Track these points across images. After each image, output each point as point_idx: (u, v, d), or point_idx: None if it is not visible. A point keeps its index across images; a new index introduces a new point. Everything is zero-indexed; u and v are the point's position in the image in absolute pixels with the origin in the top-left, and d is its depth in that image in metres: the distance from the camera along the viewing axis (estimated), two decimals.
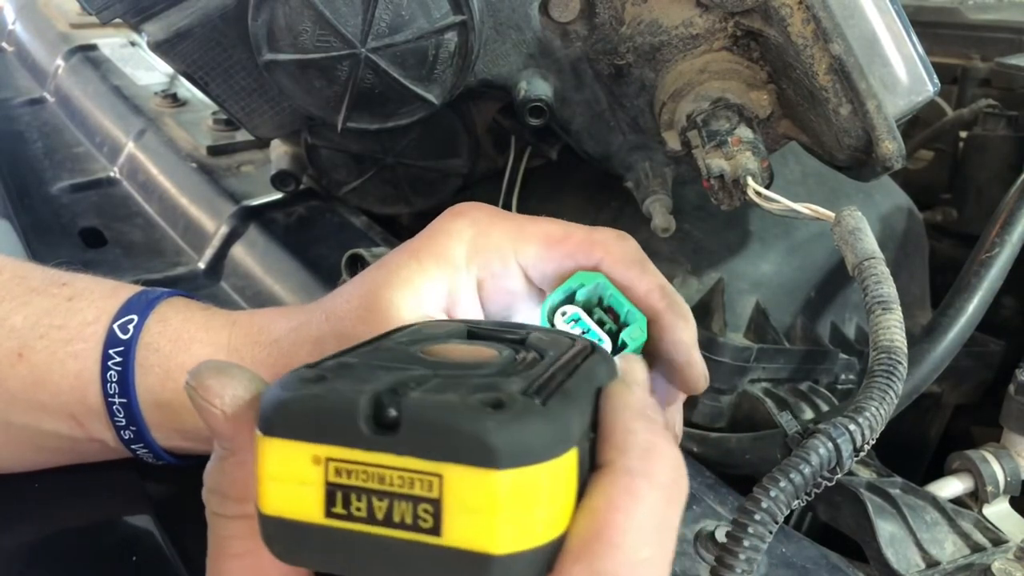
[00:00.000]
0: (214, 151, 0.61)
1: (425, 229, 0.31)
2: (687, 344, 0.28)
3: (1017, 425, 0.39)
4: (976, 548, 0.35)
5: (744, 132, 0.36)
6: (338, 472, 0.17)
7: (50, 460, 0.34)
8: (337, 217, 0.53)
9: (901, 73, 0.35)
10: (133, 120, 0.65)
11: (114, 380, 0.31)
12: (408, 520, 0.16)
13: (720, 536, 0.32)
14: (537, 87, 0.41)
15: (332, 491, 0.17)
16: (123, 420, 0.32)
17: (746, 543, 0.23)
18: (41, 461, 0.34)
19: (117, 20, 0.40)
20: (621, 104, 0.42)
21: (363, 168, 0.50)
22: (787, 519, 0.42)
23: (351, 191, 0.52)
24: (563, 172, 0.54)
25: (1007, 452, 0.39)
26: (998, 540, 0.35)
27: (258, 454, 0.17)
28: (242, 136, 0.63)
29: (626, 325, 0.28)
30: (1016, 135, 0.60)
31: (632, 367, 0.22)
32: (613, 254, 0.29)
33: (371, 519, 0.16)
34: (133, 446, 0.33)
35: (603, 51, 0.40)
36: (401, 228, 0.56)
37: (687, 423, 0.43)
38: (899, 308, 0.30)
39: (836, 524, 0.36)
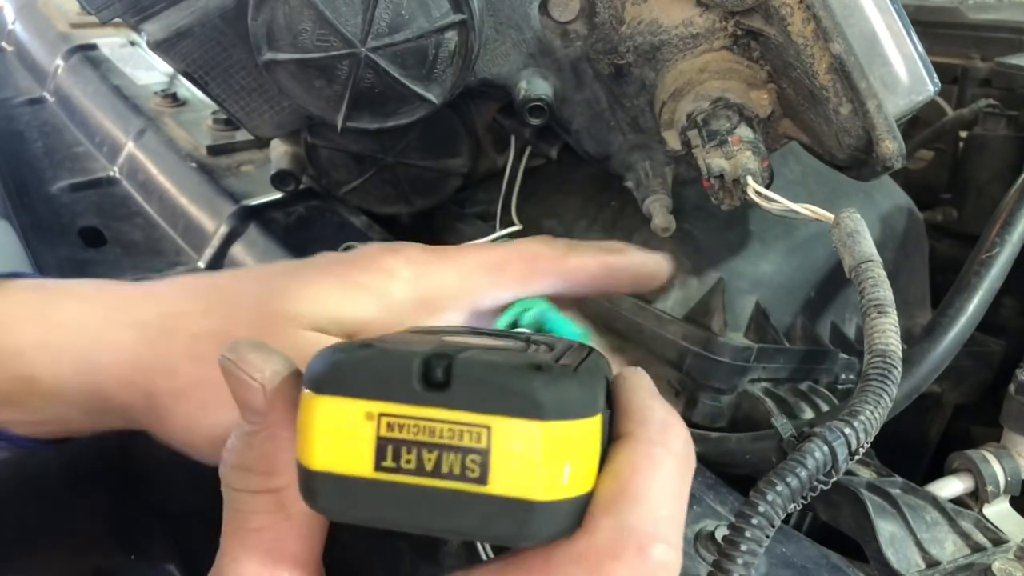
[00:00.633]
0: (214, 151, 0.61)
1: (352, 257, 0.29)
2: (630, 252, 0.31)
3: (1017, 425, 0.39)
4: (976, 548, 0.35)
5: (744, 131, 0.36)
6: (390, 427, 0.18)
7: None
8: (337, 217, 0.53)
9: (901, 72, 0.35)
10: (133, 120, 0.65)
11: None
12: (456, 471, 0.18)
13: (720, 536, 0.32)
14: (537, 87, 0.41)
15: (383, 445, 0.18)
16: None
17: (743, 547, 0.23)
18: None
19: (117, 20, 0.40)
20: (621, 104, 0.42)
21: (363, 168, 0.50)
22: (787, 519, 0.42)
23: (351, 191, 0.52)
24: (563, 172, 0.54)
25: (1007, 452, 0.39)
26: (998, 540, 0.35)
27: (309, 412, 0.18)
28: (242, 136, 0.63)
29: None
30: (1016, 135, 0.60)
31: (636, 368, 0.23)
32: (552, 262, 0.30)
33: (420, 471, 0.18)
34: None
35: (603, 51, 0.40)
36: (401, 228, 0.56)
37: (687, 423, 0.43)
38: (895, 312, 0.30)
39: (836, 524, 0.36)
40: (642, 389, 0.21)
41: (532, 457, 0.17)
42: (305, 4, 0.36)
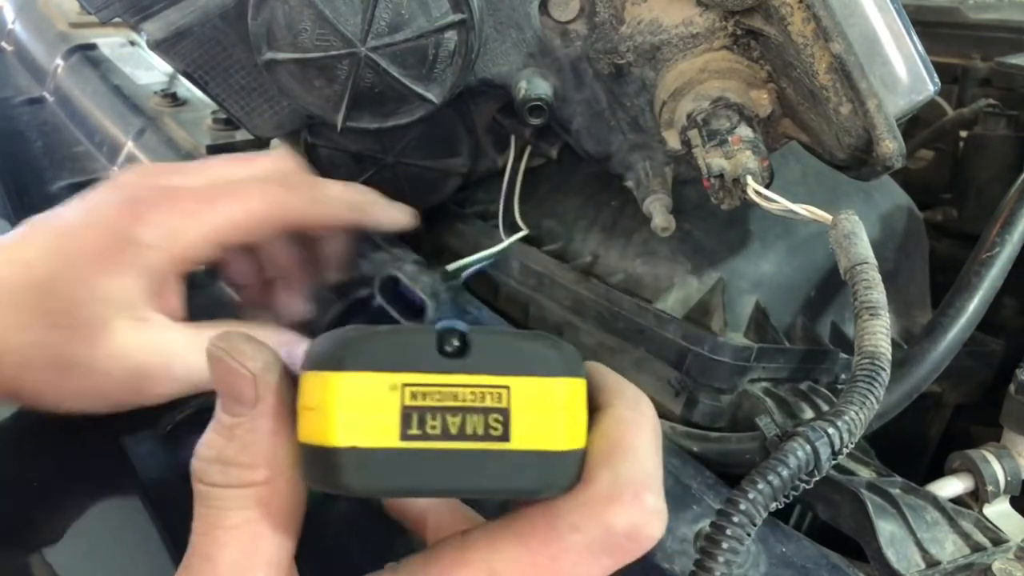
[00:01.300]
0: (214, 150, 0.61)
1: (99, 229, 0.30)
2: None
3: (1017, 425, 0.39)
4: (976, 548, 0.35)
5: (744, 131, 0.36)
6: (414, 396, 0.19)
7: None
8: None
9: (901, 72, 0.35)
10: (133, 119, 0.65)
11: None
12: (480, 431, 0.19)
13: None
14: (537, 86, 0.41)
15: (408, 414, 0.19)
16: None
17: (724, 545, 0.24)
18: None
19: (117, 19, 0.40)
20: (621, 103, 0.42)
21: (363, 168, 0.50)
22: (787, 519, 0.42)
23: None
24: (563, 172, 0.54)
25: (1007, 452, 0.39)
26: (998, 540, 0.35)
27: (330, 389, 0.19)
28: (242, 136, 0.63)
29: None
30: (1016, 135, 0.60)
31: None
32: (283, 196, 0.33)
33: (445, 435, 0.19)
34: None
35: (603, 50, 0.40)
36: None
37: (687, 423, 0.43)
38: (887, 314, 0.30)
39: (836, 524, 0.36)
40: (609, 371, 0.24)
41: (549, 410, 0.19)
42: (305, 4, 0.36)
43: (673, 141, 0.39)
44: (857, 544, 0.34)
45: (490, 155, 0.53)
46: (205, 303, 0.40)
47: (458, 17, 0.37)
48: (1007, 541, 0.35)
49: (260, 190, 0.33)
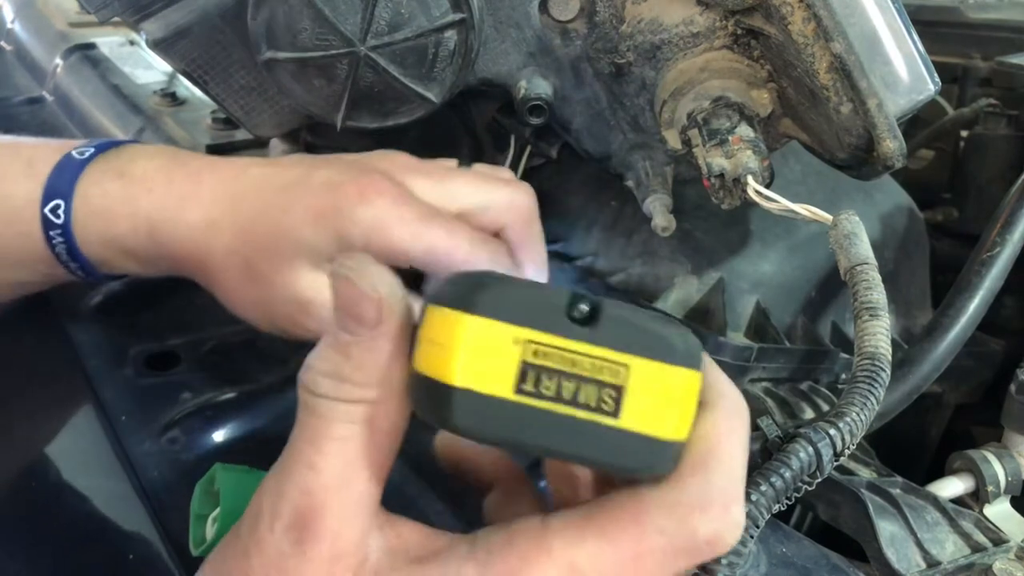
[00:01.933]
0: (213, 150, 0.61)
1: (331, 188, 0.33)
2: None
3: (1018, 425, 0.39)
4: (977, 548, 0.35)
5: (745, 131, 0.36)
6: (535, 354, 0.19)
7: (18, 294, 0.42)
8: None
9: (902, 72, 0.34)
10: (132, 119, 0.65)
11: (64, 252, 0.37)
12: (591, 402, 0.19)
13: None
14: (537, 86, 0.41)
15: (525, 370, 0.19)
16: (82, 273, 0.38)
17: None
18: (10, 297, 0.41)
19: (116, 19, 0.40)
20: (621, 103, 0.42)
21: None
22: (787, 519, 0.42)
23: None
24: (563, 172, 0.53)
25: (1008, 452, 0.39)
26: (999, 540, 0.35)
27: (456, 329, 0.19)
28: (241, 135, 0.62)
29: None
30: (1017, 134, 0.60)
31: None
32: (516, 220, 0.35)
33: (557, 398, 0.19)
34: (95, 282, 0.41)
35: (603, 50, 0.40)
36: None
37: None
38: (887, 315, 0.30)
39: (836, 524, 0.36)
40: (717, 368, 0.23)
41: (663, 397, 0.19)
42: (304, 3, 0.36)
43: (673, 141, 0.39)
44: (857, 544, 0.34)
45: (490, 155, 0.53)
46: (206, 302, 0.40)
47: (458, 16, 0.37)
48: (1007, 541, 0.35)
49: (471, 241, 0.33)
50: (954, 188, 0.64)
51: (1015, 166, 0.59)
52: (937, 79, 0.36)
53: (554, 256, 0.50)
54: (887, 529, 0.33)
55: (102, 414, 0.39)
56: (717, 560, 0.23)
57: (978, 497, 0.38)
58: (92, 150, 0.37)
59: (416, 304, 0.22)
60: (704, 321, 0.44)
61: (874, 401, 0.28)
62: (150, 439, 0.38)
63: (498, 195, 0.35)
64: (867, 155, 0.36)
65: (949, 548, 0.34)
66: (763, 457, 0.36)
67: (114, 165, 0.37)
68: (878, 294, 0.30)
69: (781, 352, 0.43)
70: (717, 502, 0.20)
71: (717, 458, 0.21)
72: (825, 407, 0.42)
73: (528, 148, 0.52)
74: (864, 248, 0.31)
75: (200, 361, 0.43)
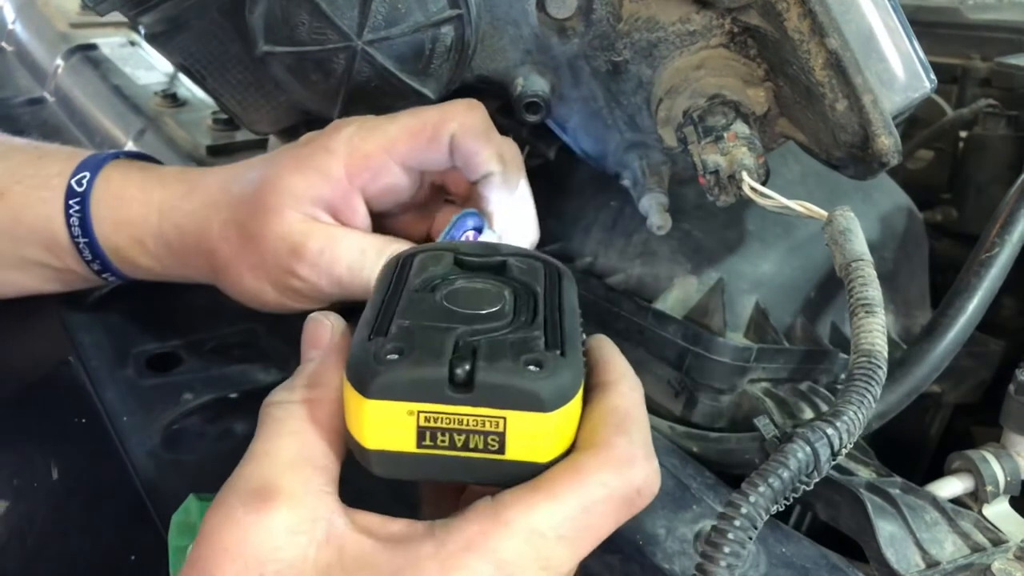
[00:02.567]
0: (214, 151, 0.61)
1: (309, 143, 0.37)
2: (510, 192, 0.38)
3: (1017, 425, 0.39)
4: (976, 548, 0.34)
5: (740, 128, 0.36)
6: (427, 419, 0.23)
7: (36, 284, 0.43)
8: None
9: (898, 69, 0.34)
10: (133, 119, 0.65)
11: (76, 224, 0.39)
12: (480, 446, 0.23)
13: None
14: (534, 83, 0.41)
15: (423, 431, 0.23)
16: (89, 256, 0.40)
17: (726, 549, 0.23)
18: (28, 284, 0.43)
19: (117, 20, 0.40)
20: (618, 101, 0.42)
21: None
22: (787, 519, 0.42)
23: None
24: (562, 172, 0.53)
25: (1007, 452, 0.39)
26: (998, 540, 0.35)
27: (361, 410, 0.23)
28: (242, 136, 0.63)
29: None
30: (1016, 135, 0.60)
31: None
32: (464, 125, 0.36)
33: (452, 447, 0.23)
34: (103, 275, 0.42)
35: (600, 47, 0.40)
36: None
37: (687, 423, 0.43)
38: (883, 311, 0.30)
39: (836, 524, 0.35)
40: (614, 350, 0.29)
41: (538, 436, 0.24)
42: None
43: (669, 138, 0.39)
44: (857, 544, 0.34)
45: None
46: (206, 303, 0.41)
47: (454, 12, 0.37)
48: (1007, 541, 0.35)
49: (440, 109, 0.37)
50: (953, 188, 0.64)
51: (1014, 166, 0.58)
52: (933, 77, 0.36)
53: (554, 256, 0.50)
54: (886, 529, 0.33)
55: (103, 414, 0.39)
56: (716, 563, 0.23)
57: (977, 497, 0.38)
58: (126, 153, 0.43)
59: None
60: (704, 321, 0.44)
61: (871, 399, 0.28)
62: (151, 439, 0.38)
63: (447, 110, 0.37)
64: (863, 152, 0.36)
65: (948, 548, 0.34)
66: (761, 456, 0.36)
67: (139, 164, 0.42)
68: (874, 290, 0.30)
69: (780, 352, 0.43)
70: (640, 455, 0.24)
71: (632, 421, 0.25)
72: (824, 408, 0.42)
73: (526, 148, 0.52)
74: (859, 244, 0.31)
75: (201, 361, 0.43)
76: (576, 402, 0.25)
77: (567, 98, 0.43)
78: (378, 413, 0.23)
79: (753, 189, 0.34)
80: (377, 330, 0.25)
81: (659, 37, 0.39)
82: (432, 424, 0.23)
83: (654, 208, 0.41)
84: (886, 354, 0.29)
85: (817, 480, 0.27)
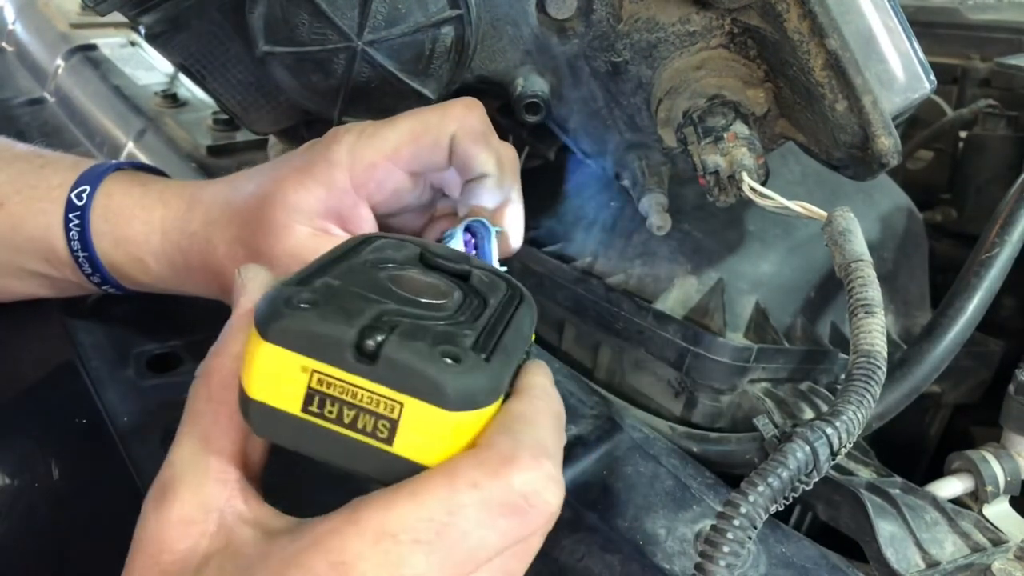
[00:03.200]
0: (214, 151, 0.61)
1: (309, 152, 0.36)
2: (504, 195, 0.37)
3: (1017, 425, 0.39)
4: (976, 548, 0.34)
5: (740, 128, 0.36)
6: (320, 382, 0.21)
7: (34, 291, 0.43)
8: None
9: (897, 70, 0.34)
10: (133, 120, 0.65)
11: (76, 238, 0.39)
12: (368, 428, 0.21)
13: None
14: (534, 83, 0.41)
15: (311, 395, 0.21)
16: (88, 269, 0.40)
17: (725, 548, 0.23)
18: (26, 291, 0.43)
19: (117, 21, 0.40)
20: (618, 101, 0.42)
21: None
22: (787, 519, 0.42)
23: None
24: (562, 172, 0.53)
25: (1007, 452, 0.39)
26: (998, 540, 0.35)
27: (253, 351, 0.21)
28: (242, 136, 0.63)
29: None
30: (1016, 135, 0.60)
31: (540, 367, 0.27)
32: (463, 127, 0.35)
33: (339, 421, 0.21)
34: (103, 287, 0.41)
35: (600, 48, 0.40)
36: None
37: (687, 423, 0.43)
38: (882, 312, 0.30)
39: (836, 524, 0.35)
40: (545, 372, 0.26)
41: (432, 435, 0.21)
42: None
43: (669, 139, 0.39)
44: (857, 544, 0.34)
45: None
46: (207, 303, 0.40)
47: (454, 12, 0.37)
48: (1007, 541, 0.35)
49: (440, 110, 0.36)
50: (953, 189, 0.64)
51: (1014, 167, 0.59)
52: (933, 78, 0.36)
53: (554, 256, 0.50)
54: (886, 529, 0.33)
55: (104, 415, 0.39)
56: (715, 562, 0.23)
57: (977, 497, 0.38)
58: (127, 164, 0.42)
59: None
60: (704, 321, 0.44)
61: (870, 399, 0.28)
62: (151, 439, 0.38)
63: (449, 105, 0.37)
64: (862, 153, 0.36)
65: (948, 548, 0.34)
66: (761, 456, 0.36)
67: (140, 178, 0.41)
68: (873, 291, 0.30)
69: (780, 353, 0.43)
70: (526, 454, 0.22)
71: (524, 422, 0.23)
72: (824, 408, 0.42)
73: (526, 149, 0.52)
74: (859, 244, 0.31)
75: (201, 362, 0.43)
76: (485, 415, 0.22)
77: (567, 98, 0.43)
78: (270, 359, 0.21)
79: (753, 189, 0.34)
80: (301, 281, 0.23)
81: (659, 38, 0.39)
82: (324, 389, 0.21)
83: (654, 208, 0.41)
84: (886, 354, 0.29)
85: (816, 480, 0.27)
